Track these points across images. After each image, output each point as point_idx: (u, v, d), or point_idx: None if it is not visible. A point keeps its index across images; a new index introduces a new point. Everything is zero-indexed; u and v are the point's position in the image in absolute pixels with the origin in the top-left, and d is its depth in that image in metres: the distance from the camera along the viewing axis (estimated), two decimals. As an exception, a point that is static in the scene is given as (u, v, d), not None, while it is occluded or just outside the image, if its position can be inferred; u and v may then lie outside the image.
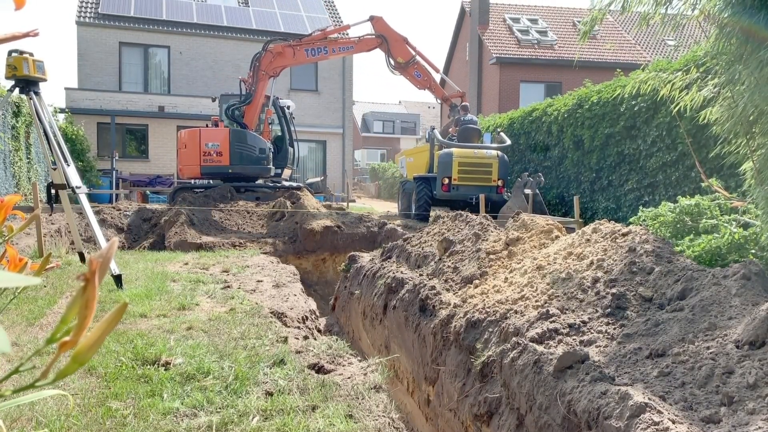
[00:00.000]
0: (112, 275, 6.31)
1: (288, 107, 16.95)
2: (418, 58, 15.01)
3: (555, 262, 4.45)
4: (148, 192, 21.24)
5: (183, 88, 26.10)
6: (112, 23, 25.26)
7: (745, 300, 3.07)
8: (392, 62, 14.97)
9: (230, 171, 14.94)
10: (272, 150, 15.66)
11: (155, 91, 25.93)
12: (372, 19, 15.14)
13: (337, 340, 5.07)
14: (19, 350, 4.13)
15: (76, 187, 6.93)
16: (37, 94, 6.77)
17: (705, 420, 2.30)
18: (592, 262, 4.15)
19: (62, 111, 22.11)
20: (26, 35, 1.00)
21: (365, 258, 8.05)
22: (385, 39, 14.93)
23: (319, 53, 15.23)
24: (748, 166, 4.18)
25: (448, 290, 5.12)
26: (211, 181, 15.49)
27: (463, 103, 15.81)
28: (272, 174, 15.84)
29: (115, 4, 25.80)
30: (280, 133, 16.80)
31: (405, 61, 14.92)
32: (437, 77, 15.95)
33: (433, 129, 14.86)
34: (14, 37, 1.00)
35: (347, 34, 16.24)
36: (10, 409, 2.91)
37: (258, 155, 15.02)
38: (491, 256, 5.32)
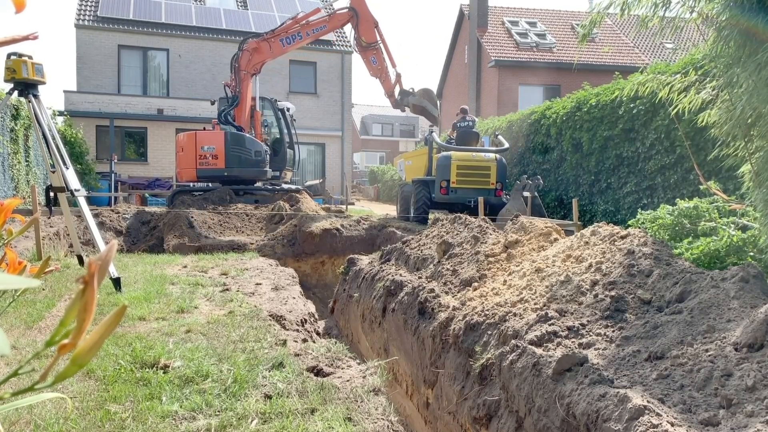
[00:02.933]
0: (111, 278, 6.31)
1: (288, 109, 16.91)
2: (380, 45, 15.00)
3: (554, 265, 4.45)
4: (146, 195, 21.22)
5: (182, 90, 26.11)
6: (111, 26, 25.26)
7: (743, 302, 3.07)
8: (356, 38, 15.03)
9: (226, 174, 14.98)
10: (268, 152, 15.59)
11: (154, 94, 25.92)
12: None
13: (336, 342, 5.07)
14: (18, 353, 4.12)
15: (75, 190, 6.93)
16: (36, 96, 6.77)
17: (704, 422, 2.30)
18: (590, 265, 4.15)
19: (61, 114, 22.08)
20: (26, 38, 1.00)
21: (364, 261, 8.05)
22: (356, 14, 14.90)
23: (294, 40, 15.21)
24: (747, 169, 4.19)
25: (447, 293, 5.12)
26: (210, 184, 15.49)
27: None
28: (269, 176, 15.79)
29: (114, 7, 25.81)
30: (278, 136, 16.76)
31: (367, 43, 14.92)
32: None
33: (432, 132, 14.86)
34: (14, 40, 1.00)
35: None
36: (8, 412, 2.90)
37: (254, 158, 14.99)
38: (490, 259, 5.33)
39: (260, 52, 15.18)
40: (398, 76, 15.33)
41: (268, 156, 15.48)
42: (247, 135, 15.12)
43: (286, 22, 15.63)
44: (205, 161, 14.95)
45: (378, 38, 15.01)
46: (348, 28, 15.24)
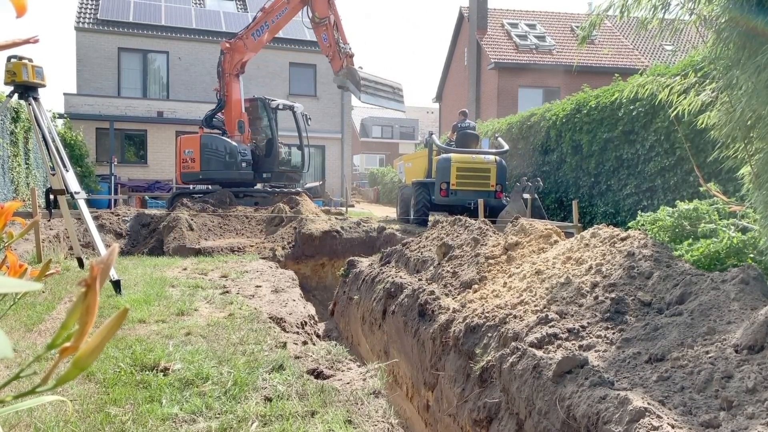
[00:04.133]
0: (111, 281, 6.31)
1: (294, 109, 16.62)
2: (332, 20, 14.43)
3: (554, 267, 4.45)
4: (146, 197, 21.22)
5: (182, 93, 26.12)
6: (111, 29, 25.28)
7: (743, 304, 3.07)
8: (310, 15, 14.54)
9: (201, 177, 15.17)
10: (244, 154, 15.19)
11: (154, 97, 25.94)
12: None
13: (336, 345, 5.07)
14: (18, 356, 4.12)
15: (75, 193, 6.93)
16: (36, 99, 6.78)
17: (704, 424, 2.30)
18: (591, 267, 4.15)
19: (61, 116, 22.08)
20: (26, 42, 1.01)
21: (364, 263, 8.05)
22: None
23: (264, 31, 15.04)
24: (746, 171, 4.19)
25: (447, 295, 5.12)
26: (210, 187, 15.49)
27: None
28: (248, 178, 15.48)
29: (114, 10, 25.83)
30: (270, 136, 16.36)
31: (319, 19, 14.43)
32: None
33: (432, 134, 14.86)
34: (14, 44, 1.00)
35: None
36: (8, 415, 2.90)
37: (227, 160, 14.91)
38: (490, 261, 5.33)
39: (238, 51, 15.14)
40: (348, 55, 14.56)
41: (244, 157, 15.14)
42: (219, 137, 15.09)
43: (257, 16, 15.45)
44: (186, 164, 15.30)
45: (330, 14, 14.41)
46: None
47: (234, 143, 15.11)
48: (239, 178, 15.25)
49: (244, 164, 15.08)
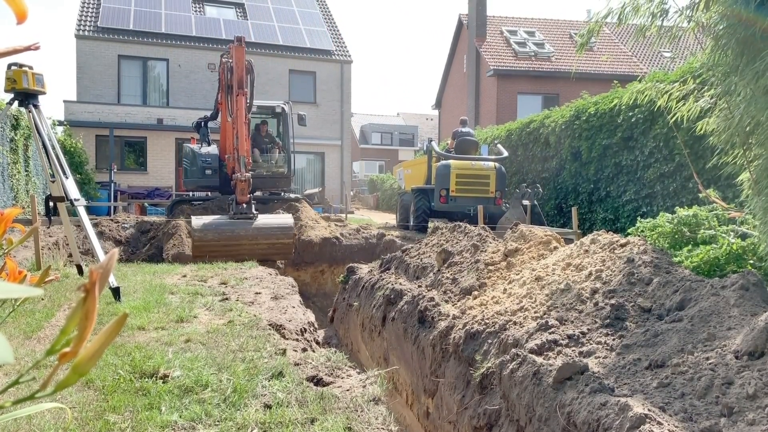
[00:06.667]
0: (110, 288, 6.30)
1: (275, 109, 15.78)
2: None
3: (554, 273, 4.45)
4: (146, 204, 21.22)
5: (182, 100, 26.16)
6: (112, 36, 25.35)
7: (743, 310, 3.07)
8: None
9: (184, 185, 15.56)
10: (206, 161, 14.50)
11: (154, 104, 25.97)
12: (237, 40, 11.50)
13: (335, 352, 5.05)
14: (17, 363, 4.11)
15: (75, 200, 6.93)
16: (36, 106, 6.79)
17: (705, 431, 2.29)
18: (590, 273, 4.15)
19: (61, 123, 22.11)
20: (27, 48, 1.01)
21: (364, 269, 8.05)
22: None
23: (223, 57, 13.27)
24: (745, 177, 4.20)
25: (446, 302, 5.12)
26: (209, 194, 15.47)
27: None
28: (211, 185, 14.71)
29: (115, 18, 25.91)
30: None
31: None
32: None
33: (431, 141, 14.88)
34: (15, 51, 1.00)
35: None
36: (7, 422, 2.89)
37: (191, 168, 14.87)
38: (490, 267, 5.32)
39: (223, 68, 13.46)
40: (238, 180, 10.75)
41: (207, 165, 14.52)
42: (190, 146, 15.19)
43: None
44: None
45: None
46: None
47: (198, 151, 14.75)
48: (206, 184, 14.96)
49: (208, 171, 14.56)
